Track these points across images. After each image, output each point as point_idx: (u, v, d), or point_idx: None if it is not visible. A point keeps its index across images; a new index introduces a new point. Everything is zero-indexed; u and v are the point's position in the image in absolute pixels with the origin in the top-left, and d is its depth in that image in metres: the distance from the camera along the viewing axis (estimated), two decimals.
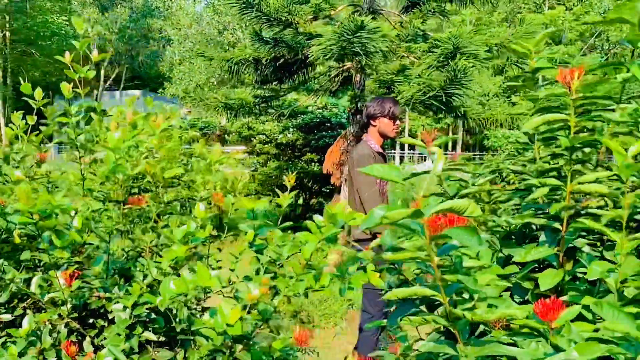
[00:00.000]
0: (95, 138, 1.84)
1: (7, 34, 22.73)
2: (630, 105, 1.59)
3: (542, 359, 1.02)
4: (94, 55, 1.70)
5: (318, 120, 7.05)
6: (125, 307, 1.48)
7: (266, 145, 7.33)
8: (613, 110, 1.34)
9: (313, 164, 6.91)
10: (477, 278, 1.02)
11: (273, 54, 4.36)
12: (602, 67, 1.41)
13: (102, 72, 38.04)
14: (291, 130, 7.14)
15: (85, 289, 1.60)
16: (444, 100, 3.45)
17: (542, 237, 1.53)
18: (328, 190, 6.71)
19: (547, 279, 1.37)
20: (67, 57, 1.79)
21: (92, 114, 1.92)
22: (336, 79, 4.70)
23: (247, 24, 4.13)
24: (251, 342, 1.54)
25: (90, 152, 1.85)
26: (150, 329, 1.57)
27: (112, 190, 1.47)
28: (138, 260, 1.64)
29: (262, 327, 1.35)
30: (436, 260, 0.95)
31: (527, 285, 1.52)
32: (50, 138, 2.08)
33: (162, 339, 1.69)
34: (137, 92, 37.12)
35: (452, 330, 1.35)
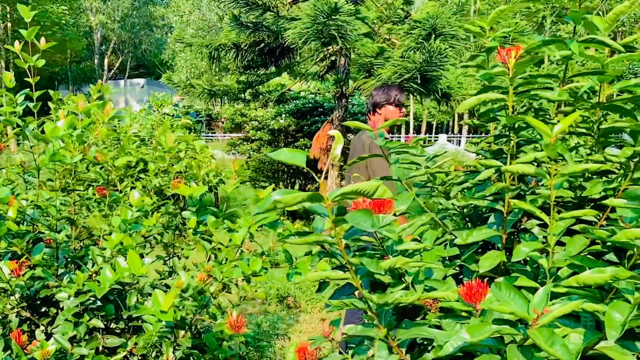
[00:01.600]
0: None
1: (9, 24, 22.73)
2: (581, 84, 1.56)
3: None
4: (41, 44, 1.68)
5: (310, 105, 7.00)
6: (70, 296, 1.48)
7: (259, 132, 7.31)
8: (552, 89, 1.31)
9: (307, 149, 6.87)
10: (382, 261, 1.01)
11: (252, 39, 4.31)
12: (546, 44, 1.38)
13: (106, 61, 38.05)
14: (284, 116, 7.11)
15: (36, 278, 1.61)
16: (419, 82, 3.40)
17: (491, 219, 1.52)
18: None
19: (488, 261, 1.36)
20: (17, 46, 1.78)
21: (52, 103, 1.92)
22: (322, 63, 4.65)
23: (227, 8, 4.07)
24: (199, 329, 1.54)
25: (45, 142, 1.85)
26: (98, 316, 1.58)
27: (57, 179, 1.46)
28: (91, 248, 1.64)
29: (201, 313, 1.35)
30: (342, 243, 0.94)
31: (474, 267, 1.50)
32: None
33: (114, 325, 1.70)
34: (141, 81, 37.10)
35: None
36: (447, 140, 26.39)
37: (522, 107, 1.58)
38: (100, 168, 1.93)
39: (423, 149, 1.58)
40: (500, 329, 0.77)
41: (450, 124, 40.45)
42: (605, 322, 0.84)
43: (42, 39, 1.72)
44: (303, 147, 6.92)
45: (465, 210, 1.74)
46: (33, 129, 1.68)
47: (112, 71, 39.52)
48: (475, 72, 1.74)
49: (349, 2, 3.57)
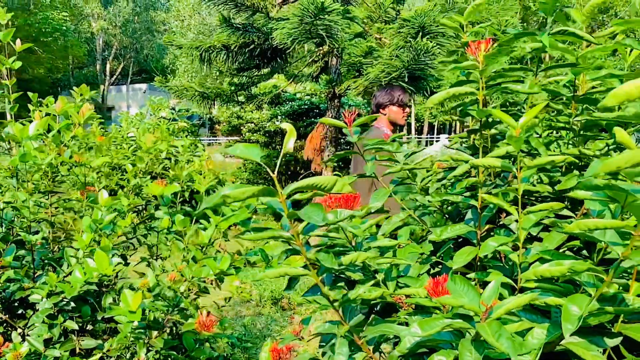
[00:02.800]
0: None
1: None
2: (560, 77, 1.55)
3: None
4: (17, 46, 1.68)
5: (307, 107, 6.99)
6: (43, 297, 1.47)
7: (255, 134, 7.30)
8: (522, 82, 1.30)
9: (302, 150, 6.85)
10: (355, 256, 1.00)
11: (242, 40, 4.30)
12: (518, 37, 1.36)
13: (108, 66, 38.21)
14: (280, 117, 7.10)
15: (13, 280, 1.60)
16: (408, 80, 3.38)
17: (468, 215, 1.50)
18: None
19: (461, 257, 1.34)
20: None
21: (31, 105, 1.91)
22: (316, 65, 4.64)
23: (216, 10, 4.07)
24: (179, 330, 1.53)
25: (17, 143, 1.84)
26: (73, 318, 1.57)
27: (30, 180, 1.46)
28: (65, 249, 1.63)
29: (172, 313, 1.33)
30: (300, 239, 0.92)
31: (450, 264, 1.49)
32: None
33: (90, 327, 1.69)
34: (143, 86, 37.24)
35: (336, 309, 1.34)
36: (449, 141, 26.27)
37: (496, 100, 1.56)
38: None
39: (399, 145, 1.56)
40: (452, 322, 0.76)
41: (453, 124, 40.37)
42: (561, 316, 0.82)
43: (18, 41, 1.71)
44: (299, 149, 6.92)
45: (445, 207, 1.73)
46: (8, 132, 1.68)
47: (115, 77, 39.69)
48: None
49: (338, 1, 3.56)
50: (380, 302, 1.50)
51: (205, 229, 1.48)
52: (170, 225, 1.46)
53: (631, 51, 1.41)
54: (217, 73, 5.16)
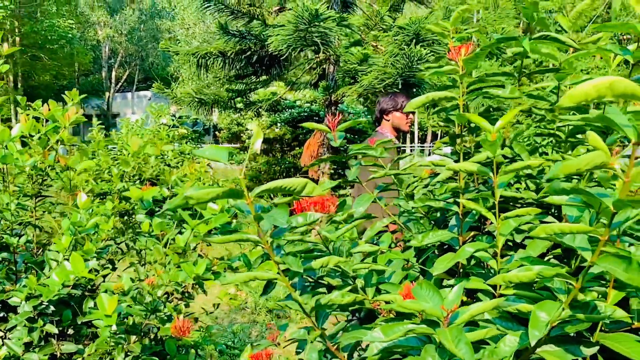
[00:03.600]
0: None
1: (17, 38, 23.08)
2: (547, 83, 1.54)
3: None
4: (4, 49, 1.68)
5: (306, 114, 7.00)
6: (22, 300, 1.47)
7: None
8: (503, 87, 1.29)
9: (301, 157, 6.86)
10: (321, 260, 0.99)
11: (239, 47, 4.32)
12: (500, 42, 1.35)
13: (114, 73, 38.46)
14: (279, 124, 7.11)
15: None
16: (403, 88, 3.38)
17: (452, 222, 1.49)
18: None
19: (442, 263, 1.32)
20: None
21: (19, 109, 1.91)
22: (314, 72, 4.65)
23: (212, 18, 4.10)
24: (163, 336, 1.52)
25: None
26: (53, 321, 1.56)
27: (11, 183, 1.45)
28: (46, 252, 1.63)
29: (150, 317, 1.32)
30: (269, 242, 0.91)
31: (432, 270, 1.47)
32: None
33: (71, 331, 1.68)
34: (148, 93, 37.46)
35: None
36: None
37: (480, 107, 1.55)
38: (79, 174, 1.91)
39: (383, 150, 1.55)
40: (415, 328, 0.74)
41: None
42: (529, 322, 0.80)
43: (5, 45, 1.72)
44: (298, 156, 6.92)
45: (431, 213, 1.71)
46: None
47: (120, 84, 39.93)
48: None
49: (335, 9, 3.57)
50: (364, 309, 1.49)
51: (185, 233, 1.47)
52: (150, 229, 1.46)
53: (615, 56, 1.40)
54: (219, 80, 5.17)
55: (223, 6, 4.02)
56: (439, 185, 1.60)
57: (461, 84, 1.27)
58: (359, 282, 1.31)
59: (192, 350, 1.80)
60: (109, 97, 37.98)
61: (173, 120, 6.27)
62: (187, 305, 1.95)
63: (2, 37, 1.70)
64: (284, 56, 3.87)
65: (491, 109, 1.48)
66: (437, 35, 1.56)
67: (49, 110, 1.75)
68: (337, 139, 1.60)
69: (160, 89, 4.95)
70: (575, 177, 1.42)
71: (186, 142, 6.67)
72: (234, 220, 1.46)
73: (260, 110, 5.16)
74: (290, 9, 3.79)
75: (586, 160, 0.64)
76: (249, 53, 4.33)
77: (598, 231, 0.73)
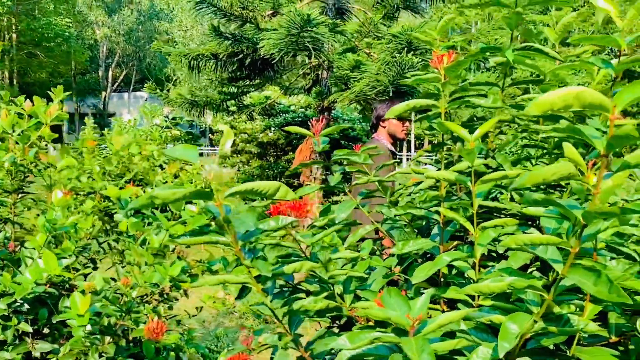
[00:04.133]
0: None
1: (14, 35, 23.01)
2: (534, 95, 1.53)
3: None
4: None
5: (300, 119, 7.01)
6: None
7: (248, 144, 7.31)
8: (485, 96, 1.29)
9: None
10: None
11: (231, 50, 4.31)
12: (484, 51, 1.35)
13: (111, 73, 38.40)
14: (273, 129, 7.11)
15: None
16: (391, 95, 3.39)
17: (434, 230, 1.48)
18: None
19: (422, 272, 1.32)
20: None
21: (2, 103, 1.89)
22: (308, 77, 4.65)
23: (199, 20, 4.10)
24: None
25: None
26: (28, 320, 1.53)
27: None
28: (21, 250, 1.60)
29: (124, 318, 1.30)
30: (238, 244, 0.90)
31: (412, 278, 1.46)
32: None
33: (47, 331, 1.65)
34: (144, 94, 37.41)
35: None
36: None
37: (461, 118, 1.55)
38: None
39: (366, 156, 1.54)
40: (381, 336, 0.73)
41: None
42: (499, 334, 0.79)
43: None
44: (291, 160, 6.91)
45: (416, 221, 1.70)
46: None
47: (117, 84, 39.86)
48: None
49: (330, 16, 3.57)
50: (345, 316, 1.47)
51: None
52: (127, 229, 1.44)
53: (599, 70, 1.40)
54: (213, 82, 5.15)
55: (216, 8, 4.02)
56: (421, 193, 1.59)
57: (443, 92, 1.26)
58: (338, 289, 1.29)
59: (172, 353, 1.77)
60: (105, 96, 37.89)
61: (166, 121, 6.24)
62: (170, 308, 1.93)
63: None
64: (277, 60, 3.86)
65: (475, 118, 1.47)
66: (426, 44, 1.56)
67: (32, 106, 1.73)
68: (321, 144, 1.59)
69: (152, 89, 4.94)
70: (557, 189, 1.42)
71: (179, 144, 6.65)
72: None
73: (253, 113, 5.16)
74: (283, 14, 3.80)
75: (552, 171, 0.63)
76: (241, 56, 4.33)
77: (567, 243, 0.72)
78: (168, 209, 2.00)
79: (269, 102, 5.14)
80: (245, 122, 7.23)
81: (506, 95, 1.47)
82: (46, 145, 2.01)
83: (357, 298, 1.35)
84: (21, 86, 23.65)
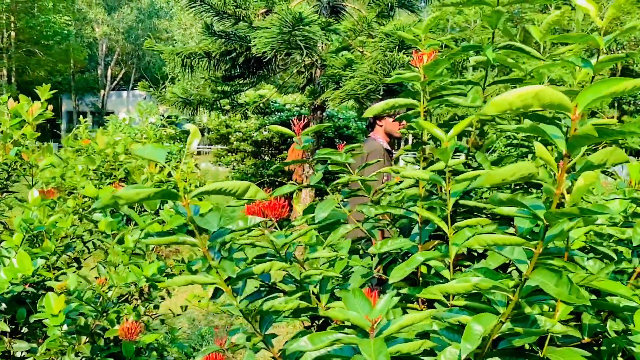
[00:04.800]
0: None
1: (12, 33, 22.96)
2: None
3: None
4: None
5: (295, 117, 6.94)
6: None
7: (243, 143, 7.29)
8: (465, 95, 1.28)
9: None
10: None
11: (224, 48, 4.30)
12: (465, 50, 1.35)
13: (110, 72, 38.32)
14: (267, 127, 7.09)
15: None
16: (387, 94, 3.38)
17: (414, 230, 1.48)
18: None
19: (399, 272, 1.31)
20: None
21: None
22: (302, 76, 4.64)
23: (198, 18, 4.08)
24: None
25: None
26: (6, 320, 1.53)
27: None
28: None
29: (100, 318, 1.30)
30: (206, 245, 0.89)
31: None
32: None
33: (25, 330, 1.64)
34: (144, 92, 37.36)
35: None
36: None
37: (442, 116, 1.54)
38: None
39: (348, 155, 1.54)
40: (342, 337, 0.72)
41: None
42: (463, 334, 0.78)
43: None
44: (285, 159, 6.89)
45: (399, 221, 1.70)
46: None
47: (116, 82, 39.78)
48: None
49: (325, 15, 3.56)
50: (323, 317, 1.47)
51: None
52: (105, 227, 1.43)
53: (580, 69, 1.39)
54: (207, 81, 5.13)
55: (208, 7, 4.01)
56: (400, 192, 1.59)
57: (423, 91, 1.25)
58: (314, 289, 1.29)
59: (154, 353, 1.77)
60: (104, 95, 37.82)
61: (161, 120, 6.23)
62: (157, 307, 1.92)
63: None
64: (270, 58, 3.85)
65: (456, 117, 1.47)
66: (412, 42, 1.55)
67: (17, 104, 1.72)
68: (302, 143, 1.59)
69: (146, 87, 4.92)
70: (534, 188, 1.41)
71: (174, 143, 6.63)
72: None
73: (247, 112, 5.15)
74: (276, 12, 3.79)
75: (512, 171, 0.63)
76: (234, 54, 4.32)
77: (529, 244, 0.72)
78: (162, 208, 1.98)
79: (263, 101, 5.13)
80: (241, 121, 7.21)
81: (493, 94, 1.46)
82: (35, 143, 2.00)
83: (338, 298, 1.35)
84: (20, 84, 23.62)
